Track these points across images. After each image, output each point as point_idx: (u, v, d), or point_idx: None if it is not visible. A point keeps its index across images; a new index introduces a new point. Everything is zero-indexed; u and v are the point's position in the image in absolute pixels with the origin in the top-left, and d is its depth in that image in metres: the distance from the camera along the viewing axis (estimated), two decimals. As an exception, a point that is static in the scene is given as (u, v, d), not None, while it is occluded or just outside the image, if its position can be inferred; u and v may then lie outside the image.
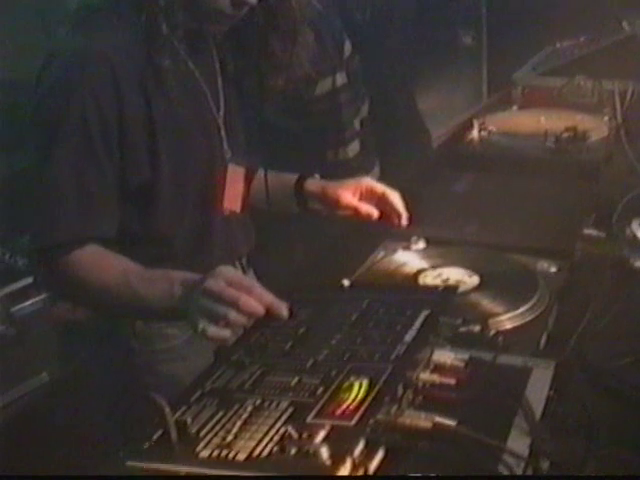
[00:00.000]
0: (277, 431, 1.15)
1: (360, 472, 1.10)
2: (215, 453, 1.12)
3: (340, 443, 1.10)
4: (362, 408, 1.17)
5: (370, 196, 1.88)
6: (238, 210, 1.81)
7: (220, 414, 1.21)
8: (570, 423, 1.31)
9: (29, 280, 2.74)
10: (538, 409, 1.28)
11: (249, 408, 1.21)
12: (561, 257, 1.90)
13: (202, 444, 1.14)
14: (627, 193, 2.16)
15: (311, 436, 1.11)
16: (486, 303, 1.70)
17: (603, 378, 1.48)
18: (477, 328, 1.55)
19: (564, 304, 1.72)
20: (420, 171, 2.76)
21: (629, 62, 3.01)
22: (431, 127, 3.46)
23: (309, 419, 1.16)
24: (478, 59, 5.07)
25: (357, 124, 2.74)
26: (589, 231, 2.07)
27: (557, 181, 2.39)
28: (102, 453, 1.44)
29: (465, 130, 2.87)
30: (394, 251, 1.98)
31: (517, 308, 1.66)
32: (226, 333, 1.36)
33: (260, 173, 1.87)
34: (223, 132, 1.75)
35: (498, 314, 1.64)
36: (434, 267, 1.86)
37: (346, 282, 1.64)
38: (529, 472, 1.17)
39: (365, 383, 1.23)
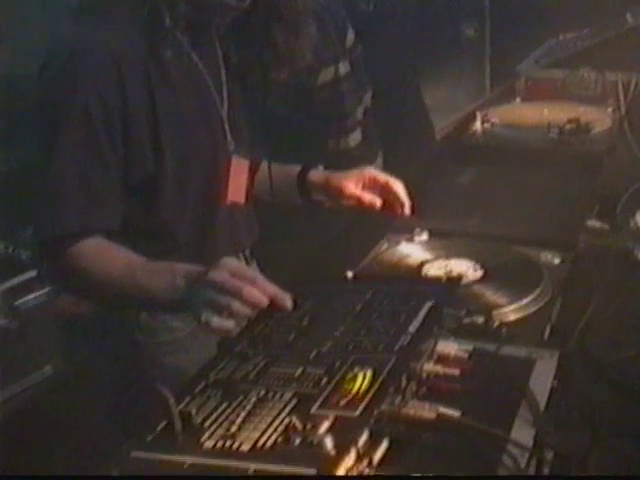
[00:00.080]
0: (281, 422, 1.15)
1: (364, 462, 1.10)
2: (219, 444, 1.12)
3: (344, 434, 1.10)
4: (366, 399, 1.17)
5: (373, 186, 1.87)
6: (242, 202, 1.80)
7: (224, 405, 1.21)
8: (573, 414, 1.31)
9: (32, 273, 2.72)
10: (542, 400, 1.29)
11: (253, 399, 1.21)
12: (565, 249, 1.90)
13: (206, 435, 1.14)
14: (631, 185, 2.16)
15: (315, 427, 1.11)
16: (490, 294, 1.70)
17: (606, 370, 1.48)
18: (481, 319, 1.55)
19: (568, 296, 1.72)
20: (424, 163, 2.77)
21: (632, 54, 3.01)
22: (434, 120, 3.46)
23: (313, 410, 1.16)
24: (481, 51, 5.07)
25: (359, 113, 2.73)
26: (593, 223, 2.07)
27: (560, 173, 2.38)
28: (105, 446, 1.44)
29: (468, 122, 2.87)
30: (397, 243, 1.99)
31: (521, 299, 1.66)
32: (230, 324, 1.36)
33: (263, 165, 1.87)
34: (226, 124, 1.74)
35: (502, 305, 1.65)
36: (438, 259, 1.86)
37: (350, 274, 1.65)
38: (533, 463, 1.17)
39: (369, 374, 1.23)
